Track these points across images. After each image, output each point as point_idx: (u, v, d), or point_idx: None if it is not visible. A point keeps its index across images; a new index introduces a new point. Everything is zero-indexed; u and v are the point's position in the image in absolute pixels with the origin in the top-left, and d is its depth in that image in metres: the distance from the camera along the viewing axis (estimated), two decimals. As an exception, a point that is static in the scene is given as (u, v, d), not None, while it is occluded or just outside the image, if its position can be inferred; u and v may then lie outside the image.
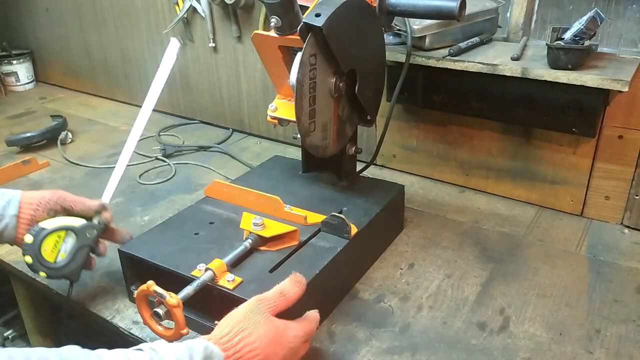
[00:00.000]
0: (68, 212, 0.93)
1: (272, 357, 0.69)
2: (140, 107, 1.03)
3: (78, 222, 0.92)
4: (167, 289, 0.74)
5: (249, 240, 0.92)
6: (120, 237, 0.98)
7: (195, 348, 0.63)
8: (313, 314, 0.79)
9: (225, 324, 0.69)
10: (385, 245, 1.14)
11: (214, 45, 1.68)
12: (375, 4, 0.99)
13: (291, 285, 0.77)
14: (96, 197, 0.98)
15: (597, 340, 0.89)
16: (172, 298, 0.73)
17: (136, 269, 0.95)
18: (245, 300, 0.81)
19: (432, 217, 1.26)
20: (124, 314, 0.97)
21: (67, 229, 0.90)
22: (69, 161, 1.60)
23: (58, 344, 0.70)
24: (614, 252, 1.12)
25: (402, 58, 1.16)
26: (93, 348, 0.65)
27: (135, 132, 1.02)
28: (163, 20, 1.78)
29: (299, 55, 0.90)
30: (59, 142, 1.69)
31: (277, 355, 0.70)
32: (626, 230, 1.20)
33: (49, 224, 0.88)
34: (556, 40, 1.06)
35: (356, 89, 1.01)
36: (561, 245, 1.15)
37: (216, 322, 0.71)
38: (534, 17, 1.29)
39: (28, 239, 0.86)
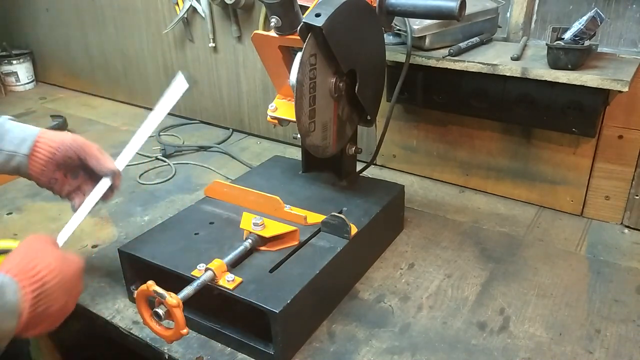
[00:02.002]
0: (82, 162, 0.91)
1: (67, 275, 0.71)
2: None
3: (14, 244, 0.85)
4: (167, 289, 0.74)
5: (249, 240, 0.92)
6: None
7: None
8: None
9: (15, 256, 0.69)
10: (385, 245, 1.14)
11: (214, 45, 1.68)
12: (375, 4, 0.99)
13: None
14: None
15: (597, 340, 0.89)
16: (172, 298, 0.73)
17: (136, 269, 0.95)
18: (245, 300, 0.81)
19: (432, 217, 1.26)
20: (124, 314, 0.97)
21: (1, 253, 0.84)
22: (69, 161, 1.60)
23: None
24: (614, 252, 1.12)
25: (402, 58, 1.16)
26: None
27: (126, 157, 0.97)
28: (163, 20, 1.78)
29: (299, 55, 0.90)
30: (59, 142, 1.69)
31: (72, 274, 0.72)
32: (626, 230, 1.20)
33: None
34: (556, 40, 1.06)
35: (356, 89, 1.01)
36: (561, 245, 1.15)
37: None
38: (534, 17, 1.29)
39: None
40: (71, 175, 0.93)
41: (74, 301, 0.74)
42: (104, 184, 0.91)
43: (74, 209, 0.93)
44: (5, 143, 0.88)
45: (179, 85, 1.03)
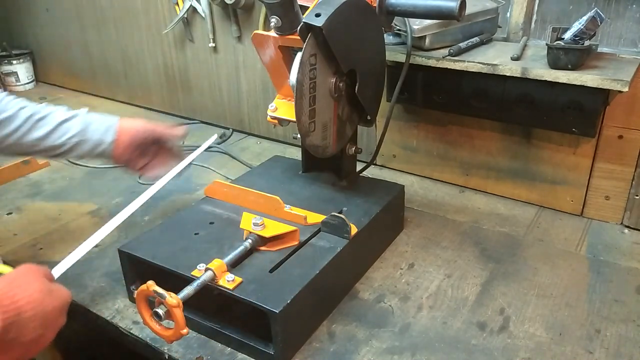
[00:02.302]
0: (157, 141, 1.08)
1: (47, 307, 0.71)
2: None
3: (6, 269, 0.82)
4: (167, 289, 0.74)
5: (249, 240, 0.92)
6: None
7: None
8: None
9: None
10: (385, 245, 1.14)
11: (214, 45, 1.68)
12: (375, 4, 0.99)
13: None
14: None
15: (597, 340, 0.89)
16: (172, 298, 0.73)
17: (136, 269, 0.95)
18: (245, 300, 0.81)
19: (432, 217, 1.26)
20: (124, 314, 0.97)
21: None
22: (69, 161, 1.59)
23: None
24: (614, 252, 1.12)
25: (402, 58, 1.16)
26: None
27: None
28: (163, 20, 1.78)
29: (299, 55, 0.90)
30: (59, 142, 1.69)
31: (52, 307, 0.72)
32: (626, 230, 1.20)
33: None
34: (556, 40, 1.06)
35: (356, 89, 1.01)
36: (561, 245, 1.15)
37: None
38: (534, 17, 1.29)
39: None
40: (142, 153, 1.08)
41: (52, 334, 0.73)
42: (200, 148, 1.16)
43: (144, 181, 1.09)
44: (92, 133, 1.02)
45: (210, 141, 1.19)
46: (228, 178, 1.42)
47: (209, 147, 1.65)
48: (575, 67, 1.04)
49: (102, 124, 1.04)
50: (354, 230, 0.97)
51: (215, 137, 1.17)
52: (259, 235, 0.92)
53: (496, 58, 1.13)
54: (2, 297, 0.67)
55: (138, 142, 1.05)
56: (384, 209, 1.08)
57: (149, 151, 1.10)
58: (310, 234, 0.97)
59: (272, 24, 0.94)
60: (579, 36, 1.04)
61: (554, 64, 1.06)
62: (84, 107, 1.06)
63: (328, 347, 0.88)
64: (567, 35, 1.05)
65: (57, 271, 0.83)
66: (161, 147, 1.11)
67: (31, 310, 0.69)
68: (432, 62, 1.17)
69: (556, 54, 1.05)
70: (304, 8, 0.92)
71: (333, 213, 0.97)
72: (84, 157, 1.07)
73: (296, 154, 1.41)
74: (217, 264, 0.84)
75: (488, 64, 1.11)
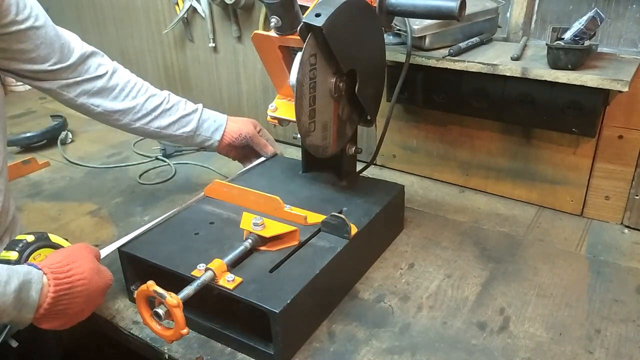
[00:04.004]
0: (251, 148, 1.26)
1: (93, 286, 0.79)
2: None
3: (65, 243, 0.88)
4: (167, 289, 0.74)
5: (249, 240, 0.92)
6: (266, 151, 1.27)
7: (16, 270, 0.72)
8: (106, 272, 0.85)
9: (57, 255, 0.80)
10: (385, 245, 1.14)
11: (214, 45, 1.68)
12: (375, 4, 0.99)
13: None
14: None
15: (597, 340, 0.89)
16: (172, 298, 0.73)
17: (136, 269, 0.95)
18: (245, 300, 0.81)
19: (432, 217, 1.26)
20: (124, 314, 0.97)
21: (53, 247, 0.86)
22: (69, 161, 1.60)
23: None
24: (614, 252, 1.12)
25: (402, 58, 1.16)
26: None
27: None
28: (163, 20, 1.78)
29: (299, 55, 0.90)
30: (59, 142, 1.69)
31: (97, 286, 0.80)
32: (626, 230, 1.20)
33: (36, 239, 0.84)
34: (556, 40, 1.06)
35: (356, 89, 1.01)
36: (561, 245, 1.15)
37: None
38: (534, 17, 1.29)
39: (13, 255, 0.81)
40: (242, 149, 1.27)
41: (90, 310, 0.82)
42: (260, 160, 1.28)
43: (244, 168, 1.26)
44: (204, 130, 1.20)
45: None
46: (228, 178, 1.42)
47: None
48: (575, 67, 1.04)
49: (214, 122, 1.21)
50: (354, 230, 0.97)
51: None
52: (259, 235, 0.92)
53: (496, 58, 1.13)
54: (57, 270, 0.76)
55: (238, 144, 1.23)
56: (384, 209, 1.08)
57: (246, 148, 1.27)
58: (310, 234, 0.97)
59: (272, 24, 0.94)
60: (579, 36, 1.04)
61: (554, 64, 1.06)
62: (199, 103, 1.23)
63: (328, 347, 0.88)
64: (567, 35, 1.05)
65: (105, 252, 0.91)
66: (254, 150, 1.28)
67: (81, 286, 0.77)
68: (432, 62, 1.17)
69: (556, 54, 1.05)
70: (304, 8, 0.92)
71: (333, 213, 0.97)
72: (191, 146, 1.34)
73: (296, 154, 1.41)
74: (217, 264, 0.84)
75: (488, 64, 1.11)
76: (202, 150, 1.28)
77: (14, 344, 0.84)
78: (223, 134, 1.21)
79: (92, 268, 0.80)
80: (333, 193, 1.13)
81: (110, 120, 1.14)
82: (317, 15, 0.86)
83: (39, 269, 0.75)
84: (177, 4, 1.69)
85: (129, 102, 1.13)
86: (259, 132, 1.27)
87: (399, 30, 1.19)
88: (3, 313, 0.70)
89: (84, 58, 1.07)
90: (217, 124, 1.21)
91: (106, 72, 1.10)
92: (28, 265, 0.76)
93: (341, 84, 0.98)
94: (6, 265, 0.73)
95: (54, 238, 0.87)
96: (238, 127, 1.23)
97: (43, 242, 0.85)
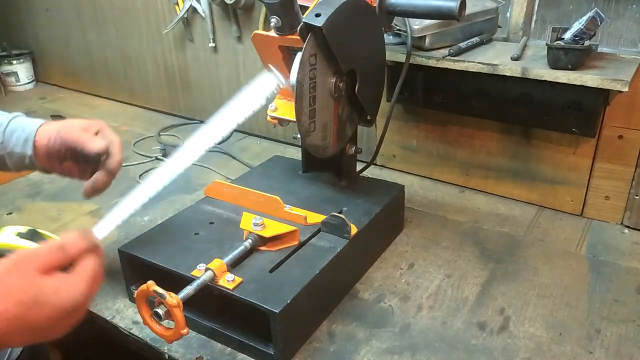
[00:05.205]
0: (74, 152, 0.87)
1: (34, 319, 0.56)
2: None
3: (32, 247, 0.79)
4: (167, 289, 0.74)
5: (249, 240, 0.92)
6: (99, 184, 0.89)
7: None
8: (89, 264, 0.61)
9: None
10: (385, 245, 1.14)
11: (214, 45, 1.68)
12: (375, 4, 0.99)
13: (75, 240, 0.61)
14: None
15: (597, 340, 0.89)
16: (172, 298, 0.73)
17: (136, 269, 0.95)
18: (245, 300, 0.81)
19: (432, 217, 1.26)
20: (124, 314, 0.97)
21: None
22: (69, 161, 1.59)
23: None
24: (614, 252, 1.12)
25: (402, 58, 1.16)
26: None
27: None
28: (163, 20, 1.78)
29: (299, 55, 0.90)
30: (58, 142, 1.68)
31: (45, 317, 0.57)
32: (626, 230, 1.20)
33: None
34: (556, 40, 1.06)
35: (356, 89, 1.00)
36: (561, 245, 1.15)
37: None
38: (534, 17, 1.29)
39: None
40: (83, 160, 0.89)
41: (58, 334, 0.60)
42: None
43: (85, 195, 0.91)
44: (15, 145, 0.87)
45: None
46: (228, 178, 1.42)
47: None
48: (575, 67, 1.04)
49: (21, 134, 0.87)
50: (354, 230, 0.97)
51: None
52: (259, 235, 0.92)
53: (496, 58, 1.13)
54: None
55: (55, 153, 0.87)
56: (384, 209, 1.08)
57: (87, 159, 0.90)
58: (310, 234, 0.97)
59: (272, 24, 0.94)
60: (579, 36, 1.04)
61: (554, 64, 1.06)
62: (15, 112, 0.91)
63: (328, 347, 0.88)
64: (567, 35, 1.05)
65: (101, 232, 0.70)
66: (78, 156, 0.89)
67: (6, 327, 0.55)
68: (432, 62, 1.17)
69: (556, 54, 1.05)
70: (304, 8, 0.92)
71: (333, 213, 0.97)
72: (17, 171, 0.91)
73: (296, 154, 1.41)
74: (217, 264, 0.84)
75: (488, 64, 1.11)
76: (34, 170, 0.91)
77: None
78: (34, 145, 0.86)
79: (21, 301, 0.55)
80: (333, 193, 1.13)
81: None
82: (317, 15, 0.86)
83: None
84: (177, 4, 1.69)
85: None
86: (96, 134, 0.89)
87: (399, 30, 1.19)
88: None
89: None
90: (26, 134, 0.86)
91: None
92: None
93: (341, 84, 0.98)
94: None
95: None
96: (50, 128, 0.88)
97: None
